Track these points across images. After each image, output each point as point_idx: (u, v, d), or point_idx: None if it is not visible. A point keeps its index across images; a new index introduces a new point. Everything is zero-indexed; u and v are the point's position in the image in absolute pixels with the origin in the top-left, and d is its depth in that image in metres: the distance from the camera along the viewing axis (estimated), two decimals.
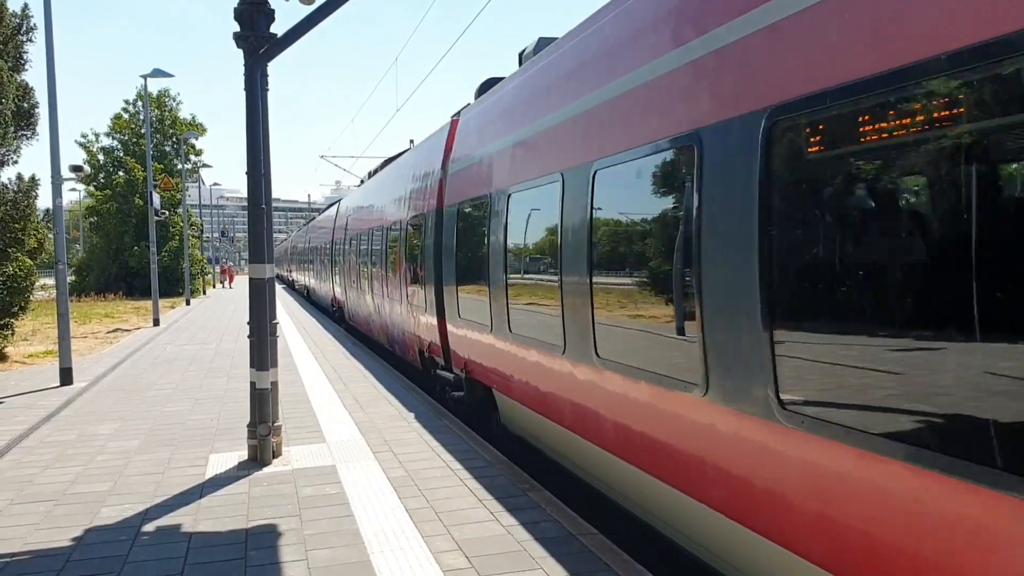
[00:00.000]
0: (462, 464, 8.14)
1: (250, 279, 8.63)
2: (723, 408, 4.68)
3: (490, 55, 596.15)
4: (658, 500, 5.70)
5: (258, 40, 8.38)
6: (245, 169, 8.46)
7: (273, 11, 8.44)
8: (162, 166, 52.53)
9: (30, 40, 18.67)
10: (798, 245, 4.19)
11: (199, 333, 24.01)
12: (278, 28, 8.50)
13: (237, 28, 8.42)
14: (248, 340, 8.60)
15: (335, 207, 29.72)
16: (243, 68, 8.50)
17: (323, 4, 8.42)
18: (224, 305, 38.73)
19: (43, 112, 18.87)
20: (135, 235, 50.49)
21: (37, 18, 22.84)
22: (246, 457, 8.55)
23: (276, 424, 8.55)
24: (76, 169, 18.00)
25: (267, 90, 8.64)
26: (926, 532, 3.35)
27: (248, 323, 8.60)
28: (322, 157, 45.90)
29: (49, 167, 14.44)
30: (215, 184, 72.90)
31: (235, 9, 8.37)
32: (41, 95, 19.07)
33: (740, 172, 4.41)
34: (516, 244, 8.31)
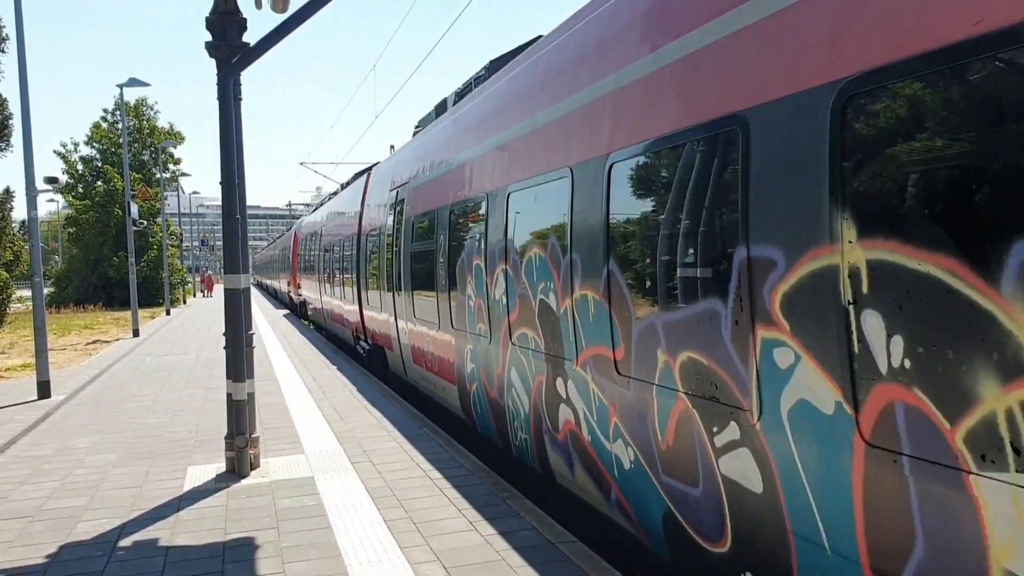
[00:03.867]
0: (441, 473, 8.11)
1: (225, 289, 8.57)
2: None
3: (470, 59, 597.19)
4: None
5: (230, 49, 8.34)
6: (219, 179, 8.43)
7: (245, 20, 8.40)
8: (140, 176, 52.11)
9: (2, 51, 18.55)
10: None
11: (179, 344, 23.83)
12: (251, 36, 8.49)
13: (209, 37, 8.38)
14: (224, 351, 8.55)
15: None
16: (215, 78, 8.47)
17: (296, 12, 8.38)
18: (204, 315, 38.44)
19: (17, 123, 18.77)
20: (114, 245, 50.10)
21: (9, 28, 22.71)
22: (224, 469, 8.48)
23: (254, 436, 8.49)
24: (51, 181, 17.89)
25: (240, 99, 8.60)
26: None
27: (224, 334, 8.55)
28: (302, 164, 45.84)
29: (24, 179, 14.31)
30: (194, 193, 72.69)
31: (207, 18, 8.32)
32: (15, 106, 18.95)
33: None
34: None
